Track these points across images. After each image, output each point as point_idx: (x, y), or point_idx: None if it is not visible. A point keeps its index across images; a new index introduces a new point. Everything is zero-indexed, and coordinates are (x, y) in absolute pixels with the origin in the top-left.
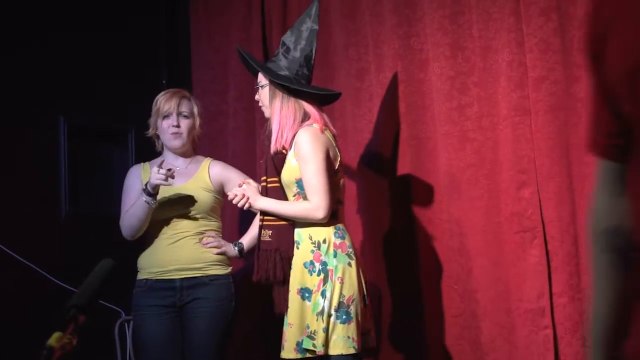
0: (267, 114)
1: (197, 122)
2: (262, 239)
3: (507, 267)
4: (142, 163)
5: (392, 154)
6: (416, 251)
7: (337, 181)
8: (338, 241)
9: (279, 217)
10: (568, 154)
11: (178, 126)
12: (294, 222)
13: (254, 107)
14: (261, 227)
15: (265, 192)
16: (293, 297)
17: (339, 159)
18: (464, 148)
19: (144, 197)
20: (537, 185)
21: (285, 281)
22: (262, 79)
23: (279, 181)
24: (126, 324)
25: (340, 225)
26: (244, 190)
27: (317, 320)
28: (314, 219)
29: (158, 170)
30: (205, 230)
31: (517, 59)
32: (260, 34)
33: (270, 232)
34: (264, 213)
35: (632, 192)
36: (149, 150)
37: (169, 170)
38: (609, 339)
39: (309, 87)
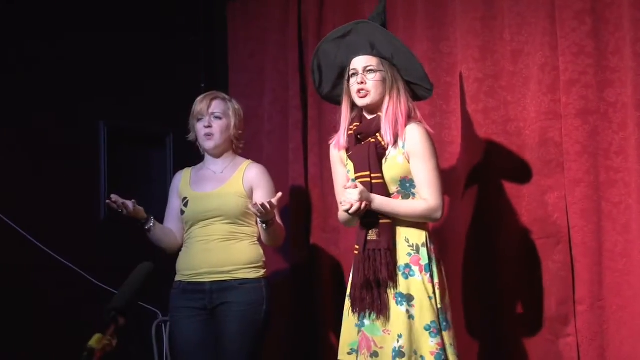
0: (370, 100)
1: (232, 122)
2: (368, 238)
3: (529, 272)
4: (186, 169)
5: None
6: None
7: None
8: (432, 245)
9: (391, 216)
10: (596, 159)
11: (210, 126)
12: (394, 221)
13: (289, 111)
14: (364, 225)
15: (370, 189)
16: (391, 303)
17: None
18: (490, 151)
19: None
20: (565, 190)
21: (392, 282)
22: (378, 63)
23: (383, 177)
24: (163, 325)
25: (430, 228)
26: (356, 192)
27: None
28: (433, 219)
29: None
30: (237, 235)
31: (550, 62)
32: (296, 37)
33: (377, 230)
34: (367, 214)
35: None
36: (189, 154)
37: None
38: None
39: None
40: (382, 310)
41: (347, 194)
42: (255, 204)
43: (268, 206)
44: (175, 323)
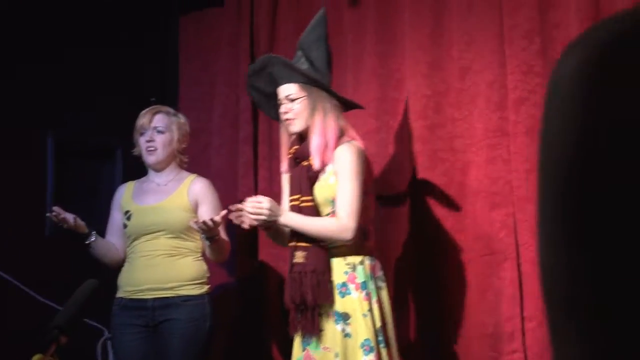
0: (298, 128)
1: (176, 136)
2: (295, 260)
3: (472, 289)
4: (129, 182)
5: None
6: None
7: (368, 202)
8: (372, 263)
9: (305, 234)
10: None
11: (152, 141)
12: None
13: (239, 125)
14: (294, 248)
15: (299, 212)
16: (327, 322)
17: (372, 178)
18: (433, 167)
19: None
20: (513, 207)
21: (320, 304)
22: (298, 90)
23: (313, 200)
24: (108, 342)
25: (372, 247)
26: (261, 204)
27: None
28: (342, 239)
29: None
30: (181, 250)
31: (499, 80)
32: (248, 51)
33: (305, 253)
34: (295, 235)
35: None
36: (139, 168)
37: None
38: None
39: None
40: (313, 331)
41: (253, 204)
42: (197, 221)
43: (211, 223)
44: (117, 340)
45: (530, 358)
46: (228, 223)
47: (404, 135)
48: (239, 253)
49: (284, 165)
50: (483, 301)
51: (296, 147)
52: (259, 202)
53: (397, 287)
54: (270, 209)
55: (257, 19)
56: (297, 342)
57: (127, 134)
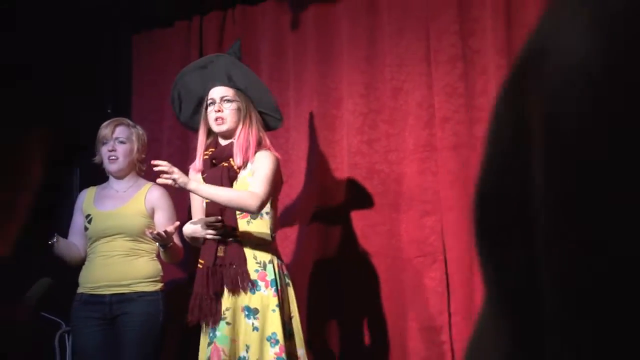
0: (225, 128)
1: (135, 146)
2: (217, 254)
3: (406, 287)
4: (90, 187)
5: (305, 182)
6: (328, 274)
7: (276, 208)
8: (280, 262)
9: (214, 200)
10: (467, 187)
11: (114, 150)
12: (241, 243)
13: (187, 136)
14: (217, 242)
15: (217, 211)
16: (238, 316)
17: (280, 190)
18: (371, 178)
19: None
20: (441, 214)
21: (237, 295)
22: (233, 94)
23: None
24: (66, 335)
25: (277, 249)
26: (172, 168)
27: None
28: (250, 205)
29: None
30: (137, 251)
31: (427, 100)
32: None
33: (225, 247)
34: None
35: None
36: (98, 176)
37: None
38: None
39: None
40: (217, 320)
41: (167, 165)
42: (152, 231)
43: (164, 234)
44: (77, 332)
45: (456, 348)
46: (181, 230)
47: (342, 148)
48: (192, 253)
49: (199, 163)
50: (417, 298)
51: (212, 149)
52: (170, 166)
53: (339, 286)
54: (179, 172)
55: (205, 38)
56: (203, 342)
57: (87, 143)
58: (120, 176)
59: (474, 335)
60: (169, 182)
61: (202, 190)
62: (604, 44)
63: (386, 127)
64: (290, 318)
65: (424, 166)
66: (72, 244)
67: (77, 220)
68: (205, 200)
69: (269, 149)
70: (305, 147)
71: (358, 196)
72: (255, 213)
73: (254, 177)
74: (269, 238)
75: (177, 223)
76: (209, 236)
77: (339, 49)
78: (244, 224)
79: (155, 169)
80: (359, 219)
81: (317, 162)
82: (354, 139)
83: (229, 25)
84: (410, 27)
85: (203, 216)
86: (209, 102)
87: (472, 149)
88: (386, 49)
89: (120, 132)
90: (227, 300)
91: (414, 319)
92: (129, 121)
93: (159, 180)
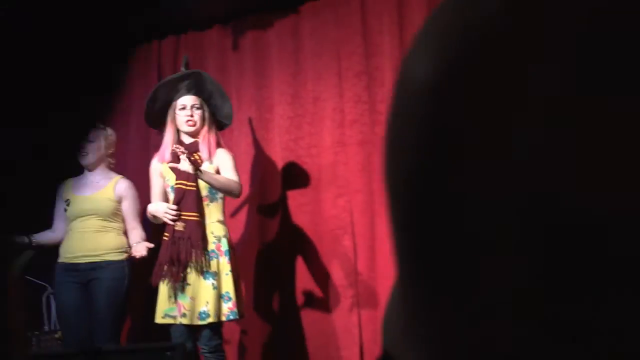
0: (194, 130)
1: (103, 145)
2: (175, 229)
3: (325, 254)
4: (69, 179)
5: (245, 172)
6: (268, 246)
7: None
8: (230, 237)
9: (214, 184)
10: (371, 175)
11: (84, 148)
12: (200, 220)
13: (149, 135)
14: (175, 220)
15: (182, 194)
16: (198, 278)
17: None
18: (298, 168)
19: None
20: (350, 196)
21: (194, 263)
22: (201, 103)
23: (196, 186)
24: (51, 296)
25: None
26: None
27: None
28: (234, 189)
29: None
30: (107, 228)
31: (339, 106)
32: (156, 82)
33: (184, 224)
34: (181, 208)
35: None
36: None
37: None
38: None
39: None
40: (177, 281)
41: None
42: (134, 256)
43: (145, 254)
44: (58, 294)
45: (362, 300)
46: (144, 218)
47: (275, 145)
48: (153, 226)
49: (167, 155)
50: (333, 261)
51: (177, 145)
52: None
53: (278, 253)
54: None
55: (161, 60)
56: (163, 295)
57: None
58: (91, 168)
59: (388, 302)
60: (194, 165)
61: (207, 174)
62: (434, 62)
63: (308, 128)
64: (236, 281)
65: (337, 158)
66: (47, 235)
67: (59, 207)
68: (169, 187)
69: (224, 147)
70: (246, 144)
71: (288, 183)
72: (238, 197)
73: (226, 171)
74: (222, 217)
75: (151, 245)
76: (165, 219)
77: (271, 66)
78: (204, 206)
79: (182, 156)
80: (289, 200)
81: (254, 156)
82: (284, 138)
83: (182, 47)
84: (326, 49)
85: (161, 200)
86: (179, 107)
87: (374, 145)
88: (307, 67)
89: (92, 134)
90: (188, 266)
91: (330, 277)
92: (99, 124)
93: (181, 165)
